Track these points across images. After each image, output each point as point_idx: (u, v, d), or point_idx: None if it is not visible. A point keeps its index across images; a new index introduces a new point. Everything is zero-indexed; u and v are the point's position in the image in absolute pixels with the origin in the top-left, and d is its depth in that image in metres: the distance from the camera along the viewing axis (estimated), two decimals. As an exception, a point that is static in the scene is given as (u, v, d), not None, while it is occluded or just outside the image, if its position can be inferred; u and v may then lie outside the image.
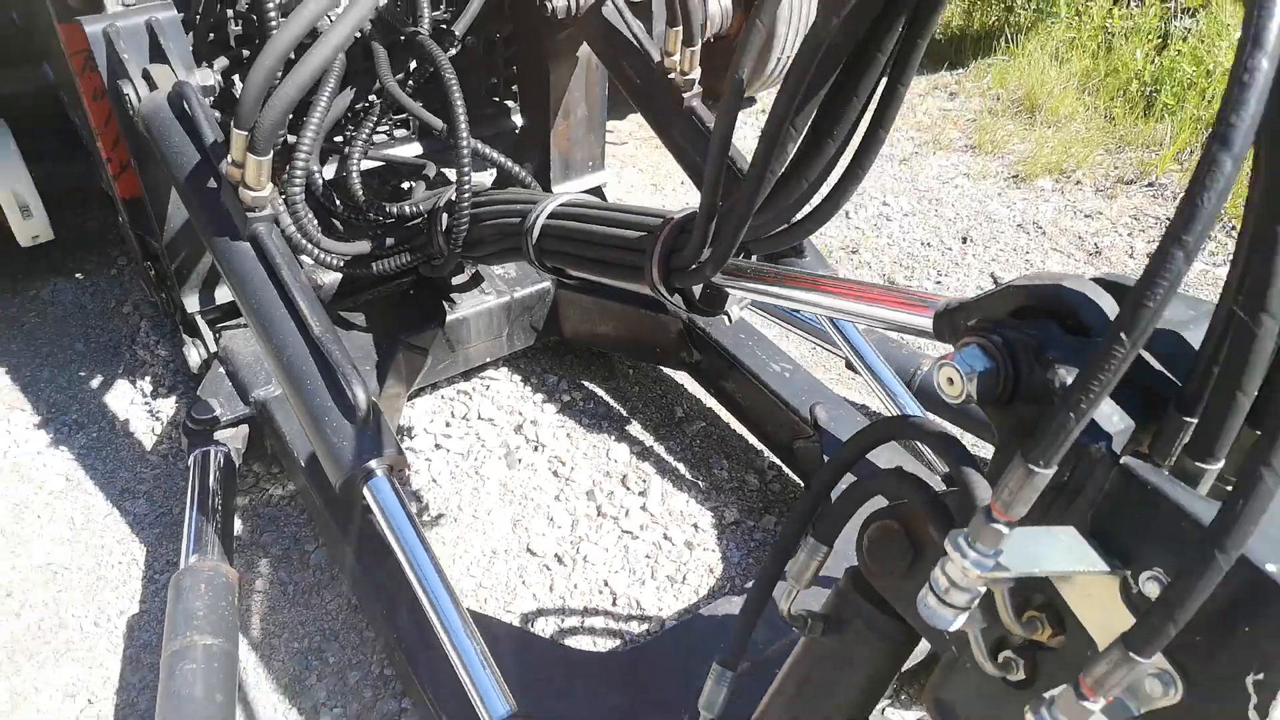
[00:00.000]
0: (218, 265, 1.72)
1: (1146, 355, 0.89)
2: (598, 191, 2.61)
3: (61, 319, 2.59)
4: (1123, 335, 0.67)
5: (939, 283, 2.83)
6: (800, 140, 1.20)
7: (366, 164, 2.19)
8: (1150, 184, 3.22)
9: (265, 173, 1.59)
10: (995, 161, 3.38)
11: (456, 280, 2.26)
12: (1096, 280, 1.02)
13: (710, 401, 2.35)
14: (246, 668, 1.76)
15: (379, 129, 2.35)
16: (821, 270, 2.02)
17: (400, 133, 2.44)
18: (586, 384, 2.42)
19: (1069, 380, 0.85)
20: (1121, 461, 0.81)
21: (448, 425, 2.28)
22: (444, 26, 2.21)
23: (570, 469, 2.18)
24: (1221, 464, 0.83)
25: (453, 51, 2.27)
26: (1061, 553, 0.81)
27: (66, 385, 2.38)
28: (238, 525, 2.02)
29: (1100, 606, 0.84)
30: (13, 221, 2.40)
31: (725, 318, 1.53)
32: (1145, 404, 0.84)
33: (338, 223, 2.13)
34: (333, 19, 1.65)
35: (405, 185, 2.46)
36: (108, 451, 2.21)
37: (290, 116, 2.13)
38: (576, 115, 2.50)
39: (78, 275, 2.74)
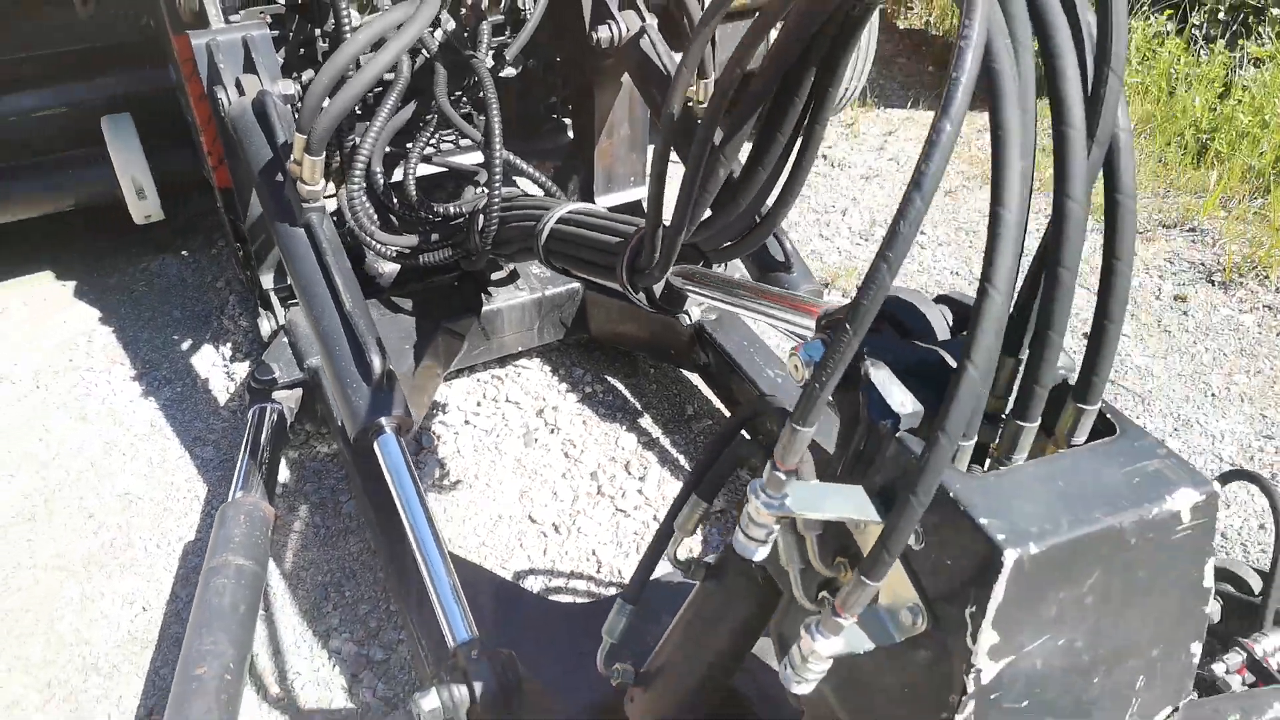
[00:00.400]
0: (277, 246, 2.02)
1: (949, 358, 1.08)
2: (637, 205, 2.85)
3: (165, 289, 2.97)
4: (849, 327, 0.87)
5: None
6: (739, 168, 1.42)
7: (430, 169, 2.49)
8: (1191, 229, 3.27)
9: (319, 171, 1.88)
10: (1040, 199, 3.48)
11: (495, 276, 2.53)
12: (939, 298, 1.22)
13: (719, 401, 2.55)
14: (275, 592, 2.06)
15: (441, 139, 2.63)
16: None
17: (465, 142, 2.72)
18: (609, 378, 2.65)
19: (870, 369, 1.05)
20: (897, 435, 1.00)
21: (478, 405, 2.54)
22: (502, 52, 2.48)
23: (580, 451, 2.41)
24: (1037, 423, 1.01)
25: (512, 72, 2.55)
26: (840, 502, 0.99)
27: (161, 346, 2.74)
28: (285, 474, 2.32)
29: (867, 546, 1.03)
30: (130, 201, 2.77)
31: (685, 316, 1.75)
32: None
33: (395, 219, 2.42)
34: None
35: (459, 189, 2.74)
36: (187, 404, 2.55)
37: (356, 123, 2.46)
38: (619, 134, 2.74)
39: (183, 253, 3.12)
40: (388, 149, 2.41)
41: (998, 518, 0.92)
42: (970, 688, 0.93)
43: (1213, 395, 2.64)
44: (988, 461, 1.05)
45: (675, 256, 1.48)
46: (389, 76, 2.17)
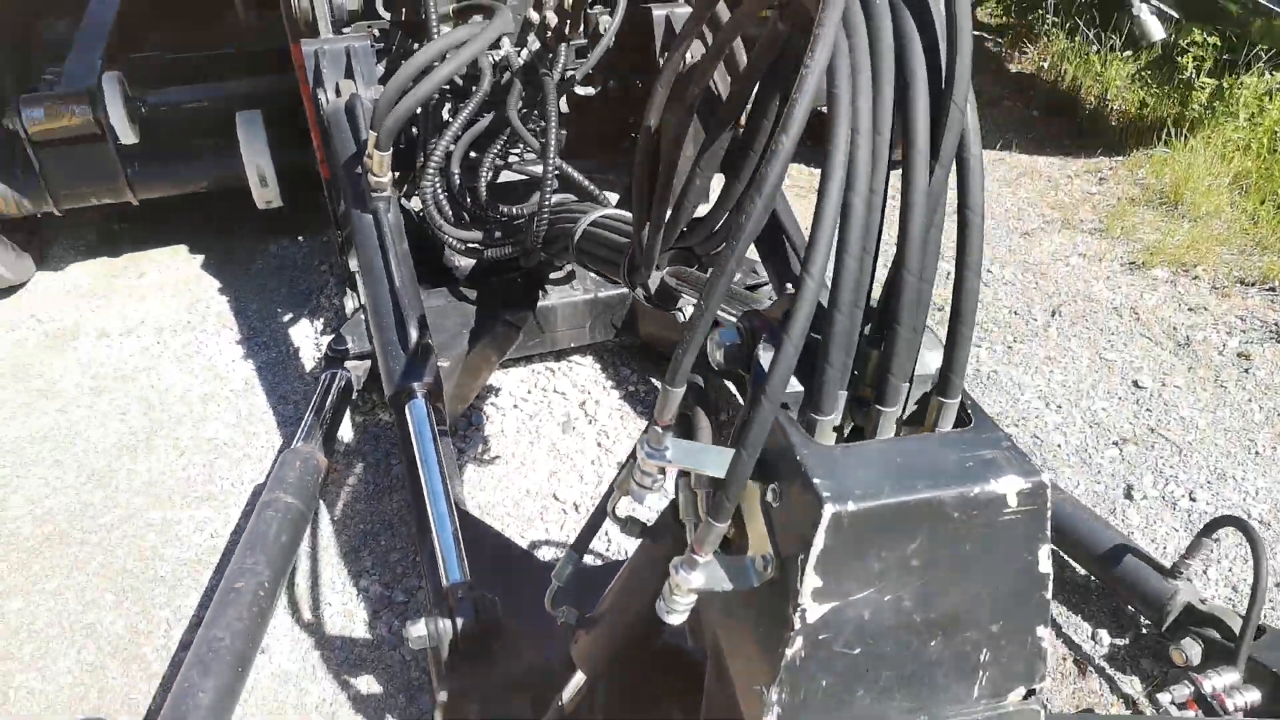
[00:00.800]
0: (351, 228, 2.30)
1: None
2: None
3: (277, 268, 3.33)
4: (702, 305, 1.04)
5: (1010, 348, 3.01)
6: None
7: (512, 176, 2.74)
8: (1271, 289, 3.21)
9: (386, 165, 2.16)
10: (1119, 246, 3.48)
11: (553, 276, 2.76)
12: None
13: (751, 411, 2.69)
14: (321, 533, 2.32)
15: (526, 149, 2.89)
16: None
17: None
18: (654, 380, 2.84)
19: (760, 352, 1.20)
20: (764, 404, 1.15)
21: (528, 392, 2.77)
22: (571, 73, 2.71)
23: (613, 443, 2.60)
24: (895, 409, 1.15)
25: (590, 91, 2.79)
26: (712, 460, 1.15)
27: (265, 316, 3.09)
28: (349, 434, 2.60)
29: (750, 508, 1.18)
30: (253, 188, 3.14)
31: (678, 314, 1.92)
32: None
33: (467, 217, 2.68)
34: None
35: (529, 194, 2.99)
36: (279, 368, 2.88)
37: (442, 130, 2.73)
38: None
39: (299, 238, 3.49)
40: (471, 155, 2.67)
41: (829, 479, 1.06)
42: (797, 624, 1.08)
43: (1256, 453, 2.61)
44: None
45: (657, 258, 1.65)
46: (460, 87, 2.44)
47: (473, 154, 2.68)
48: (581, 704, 1.63)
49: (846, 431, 1.22)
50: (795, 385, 1.17)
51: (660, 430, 1.14)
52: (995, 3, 5.60)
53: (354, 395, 2.57)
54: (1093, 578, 2.22)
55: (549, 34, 2.69)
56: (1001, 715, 1.21)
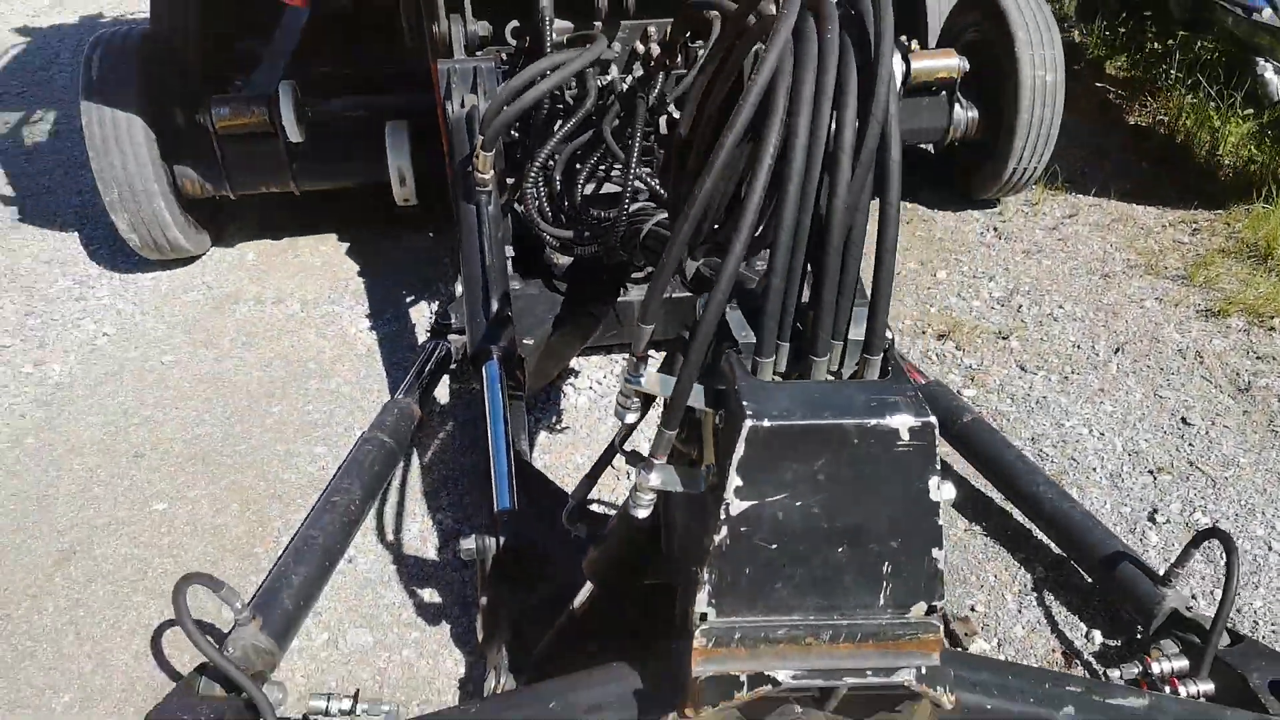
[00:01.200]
0: (458, 216, 2.70)
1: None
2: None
3: (409, 258, 3.81)
4: (665, 259, 1.35)
5: (1066, 379, 3.15)
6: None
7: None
8: (1348, 342, 3.23)
9: (489, 164, 2.55)
10: (1197, 294, 3.56)
11: (635, 274, 3.10)
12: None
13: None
14: (411, 473, 2.72)
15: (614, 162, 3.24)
16: None
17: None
18: (719, 377, 3.12)
19: (729, 311, 1.49)
20: (725, 350, 1.45)
21: (604, 377, 3.11)
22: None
23: (672, 426, 2.90)
24: (825, 359, 1.42)
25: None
26: (670, 385, 1.45)
27: (393, 296, 3.56)
28: (446, 398, 3.00)
29: (707, 433, 1.48)
30: (394, 187, 3.61)
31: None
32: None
33: (564, 217, 3.05)
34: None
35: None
36: (398, 340, 3.32)
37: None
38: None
39: (429, 234, 3.96)
40: (575, 166, 3.04)
41: (754, 404, 1.35)
42: (723, 515, 1.36)
43: (1292, 493, 2.69)
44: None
45: (685, 249, 1.96)
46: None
47: (575, 165, 3.06)
48: (588, 612, 1.94)
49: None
50: (751, 337, 1.47)
51: (636, 361, 1.45)
52: (1125, 58, 5.65)
53: (452, 364, 2.96)
54: (1092, 582, 2.37)
55: (652, 63, 3.05)
56: (905, 624, 1.45)
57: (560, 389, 3.06)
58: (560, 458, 2.79)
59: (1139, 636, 2.23)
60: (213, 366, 3.23)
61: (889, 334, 1.48)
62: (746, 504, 1.36)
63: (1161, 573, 2.19)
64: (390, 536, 2.56)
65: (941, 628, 1.47)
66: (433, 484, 2.72)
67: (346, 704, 1.84)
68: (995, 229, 4.04)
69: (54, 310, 3.58)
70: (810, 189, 1.36)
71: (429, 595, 2.39)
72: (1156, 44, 5.49)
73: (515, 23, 3.05)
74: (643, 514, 1.51)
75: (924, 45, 4.15)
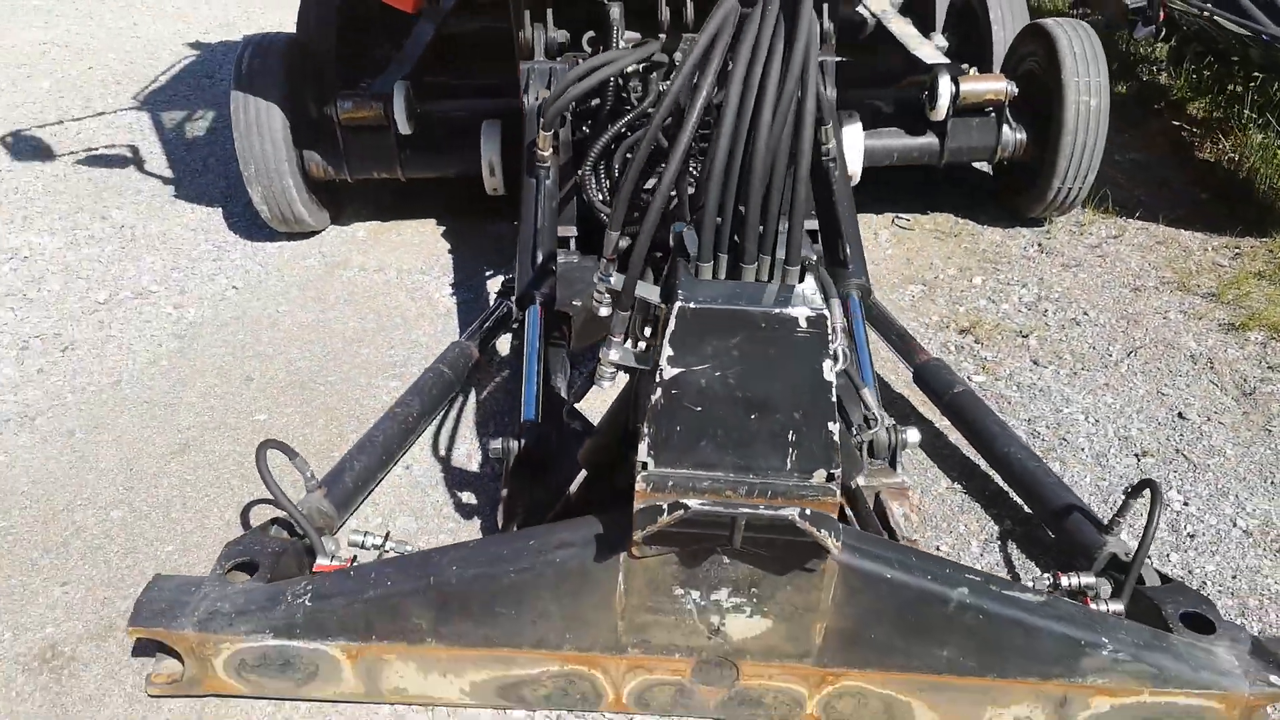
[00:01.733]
0: (522, 186, 3.15)
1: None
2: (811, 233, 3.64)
3: (492, 242, 4.30)
4: (630, 171, 1.75)
5: (1075, 374, 3.38)
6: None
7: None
8: (1362, 358, 3.35)
9: (549, 142, 3.00)
10: (1223, 310, 3.72)
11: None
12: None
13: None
14: (467, 404, 3.17)
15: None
16: (856, 280, 2.90)
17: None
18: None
19: (684, 231, 1.88)
20: (678, 260, 1.83)
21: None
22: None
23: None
24: (755, 264, 1.79)
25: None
26: (645, 288, 1.84)
27: (474, 270, 4.06)
28: (506, 350, 3.45)
29: (663, 325, 1.86)
30: (485, 178, 4.12)
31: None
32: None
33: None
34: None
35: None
36: (473, 304, 3.81)
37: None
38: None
39: (513, 222, 4.45)
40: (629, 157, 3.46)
41: (687, 292, 1.74)
42: (658, 379, 1.75)
43: (1271, 484, 2.86)
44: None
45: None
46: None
47: (629, 157, 3.48)
48: (582, 497, 2.32)
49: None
50: (694, 248, 1.85)
51: (606, 263, 1.85)
52: (1208, 100, 5.78)
53: (513, 323, 3.41)
54: (1050, 533, 2.62)
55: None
56: (808, 486, 1.79)
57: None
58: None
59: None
60: (317, 316, 3.78)
61: (813, 254, 1.84)
62: (676, 370, 1.74)
63: (1106, 522, 2.43)
64: (442, 452, 3.00)
65: (839, 492, 1.80)
66: (483, 415, 3.16)
67: (379, 540, 2.27)
68: (1040, 244, 4.27)
69: (195, 267, 4.22)
70: (742, 129, 1.74)
71: (467, 498, 2.82)
72: (1238, 86, 5.61)
73: (591, 33, 3.52)
74: (606, 384, 1.90)
75: (988, 72, 4.45)
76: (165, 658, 2.16)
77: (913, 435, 2.52)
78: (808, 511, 1.73)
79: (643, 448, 1.79)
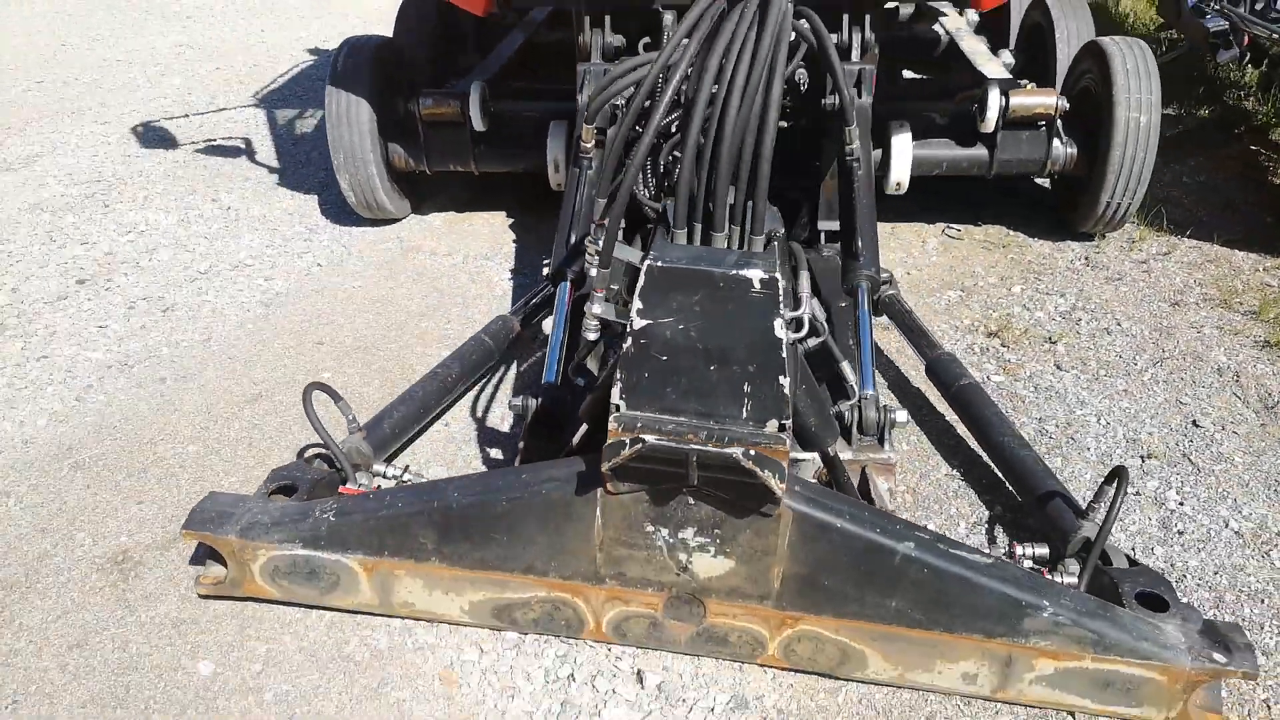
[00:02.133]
0: (568, 175, 3.42)
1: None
2: (834, 233, 3.79)
3: (552, 232, 4.59)
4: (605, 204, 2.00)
5: (1096, 378, 3.45)
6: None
7: None
8: (1395, 379, 3.33)
9: (591, 135, 3.26)
10: (1261, 328, 3.73)
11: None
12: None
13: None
14: (506, 372, 3.45)
15: None
16: (866, 271, 3.07)
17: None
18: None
19: (668, 205, 2.12)
20: (659, 230, 2.07)
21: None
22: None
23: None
24: (724, 233, 2.02)
25: (784, 125, 3.74)
26: (624, 250, 2.08)
27: (533, 258, 4.35)
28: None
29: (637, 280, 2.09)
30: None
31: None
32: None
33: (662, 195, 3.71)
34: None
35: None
36: (528, 288, 4.09)
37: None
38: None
39: (579, 217, 4.74)
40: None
41: (658, 253, 1.96)
42: (629, 329, 1.98)
43: (1274, 490, 2.90)
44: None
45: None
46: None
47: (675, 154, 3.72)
48: (583, 447, 2.56)
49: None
50: (670, 215, 2.08)
51: (595, 227, 2.10)
52: (1295, 127, 5.69)
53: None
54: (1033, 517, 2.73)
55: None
56: (761, 435, 1.99)
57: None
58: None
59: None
60: (388, 292, 4.13)
61: (780, 227, 2.05)
62: (645, 322, 1.97)
63: (1084, 508, 2.54)
64: (479, 414, 3.29)
65: (789, 440, 1.99)
66: (521, 384, 3.43)
67: (398, 472, 2.56)
68: (1087, 258, 4.33)
69: (287, 245, 4.64)
70: (714, 114, 1.97)
71: (496, 453, 3.09)
72: (1322, 112, 5.52)
73: (648, 39, 3.77)
74: (591, 336, 2.14)
75: (1050, 88, 4.53)
76: (213, 564, 2.48)
77: (901, 415, 2.67)
78: (751, 453, 1.93)
79: (615, 391, 2.02)
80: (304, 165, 5.63)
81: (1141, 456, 3.06)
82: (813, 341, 2.41)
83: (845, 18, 3.69)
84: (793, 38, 2.86)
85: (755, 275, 1.91)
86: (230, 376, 3.57)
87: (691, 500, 2.11)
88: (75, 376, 3.59)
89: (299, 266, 4.43)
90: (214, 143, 6.05)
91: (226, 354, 3.72)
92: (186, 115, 6.58)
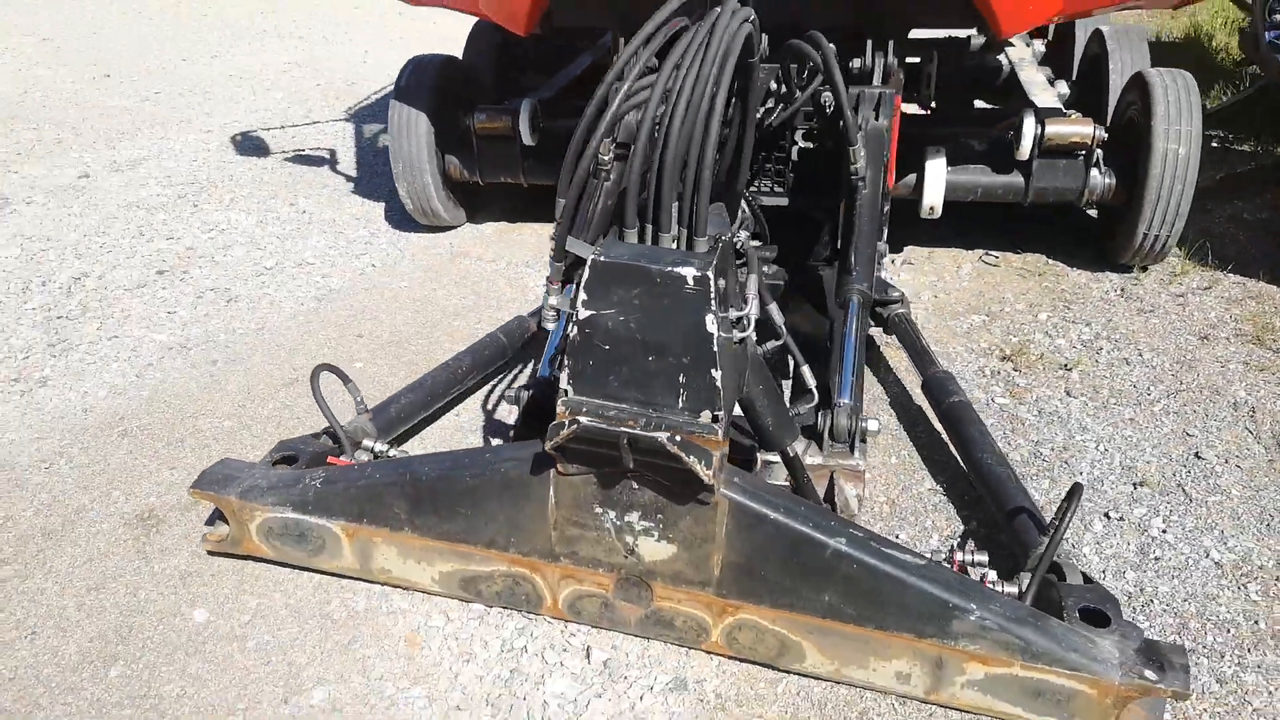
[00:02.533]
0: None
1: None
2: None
3: (597, 245, 4.78)
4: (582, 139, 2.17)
5: (1104, 405, 3.44)
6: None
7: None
8: None
9: (608, 148, 3.42)
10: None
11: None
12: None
13: (842, 387, 3.50)
14: (519, 370, 3.63)
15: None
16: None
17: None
18: (790, 355, 3.75)
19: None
20: (612, 228, 2.22)
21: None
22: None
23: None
24: (672, 234, 2.16)
25: (806, 144, 3.85)
26: (577, 246, 2.24)
27: (571, 267, 4.54)
28: (571, 333, 3.90)
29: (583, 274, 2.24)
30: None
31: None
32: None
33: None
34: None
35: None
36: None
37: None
38: (862, 195, 3.83)
39: (622, 231, 4.92)
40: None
41: (604, 249, 2.11)
42: (575, 319, 2.13)
43: (1265, 525, 2.85)
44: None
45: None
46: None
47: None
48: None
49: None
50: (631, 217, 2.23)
51: (556, 226, 2.26)
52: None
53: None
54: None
55: (780, 99, 3.80)
56: (695, 424, 2.12)
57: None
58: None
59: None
60: (430, 293, 4.38)
61: (727, 231, 2.18)
62: (589, 312, 2.12)
63: (1047, 523, 2.56)
64: (489, 406, 3.48)
65: (723, 431, 2.11)
66: (531, 380, 3.61)
67: (384, 446, 2.76)
68: (1123, 289, 4.28)
69: (349, 248, 4.95)
70: (662, 124, 2.11)
71: (498, 442, 3.27)
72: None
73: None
74: (550, 325, 2.30)
75: (1102, 122, 4.50)
76: (221, 524, 2.72)
77: (872, 425, 2.74)
78: (678, 438, 2.05)
79: (563, 377, 2.18)
80: (377, 175, 5.98)
81: (1134, 484, 3.04)
82: (770, 344, 2.51)
83: (869, 44, 3.78)
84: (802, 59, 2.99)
85: (689, 273, 2.04)
86: (274, 362, 3.85)
87: (635, 485, 2.24)
88: (139, 355, 3.93)
89: (355, 266, 4.73)
90: (301, 152, 6.47)
91: (275, 342, 4.02)
92: (282, 126, 7.05)
